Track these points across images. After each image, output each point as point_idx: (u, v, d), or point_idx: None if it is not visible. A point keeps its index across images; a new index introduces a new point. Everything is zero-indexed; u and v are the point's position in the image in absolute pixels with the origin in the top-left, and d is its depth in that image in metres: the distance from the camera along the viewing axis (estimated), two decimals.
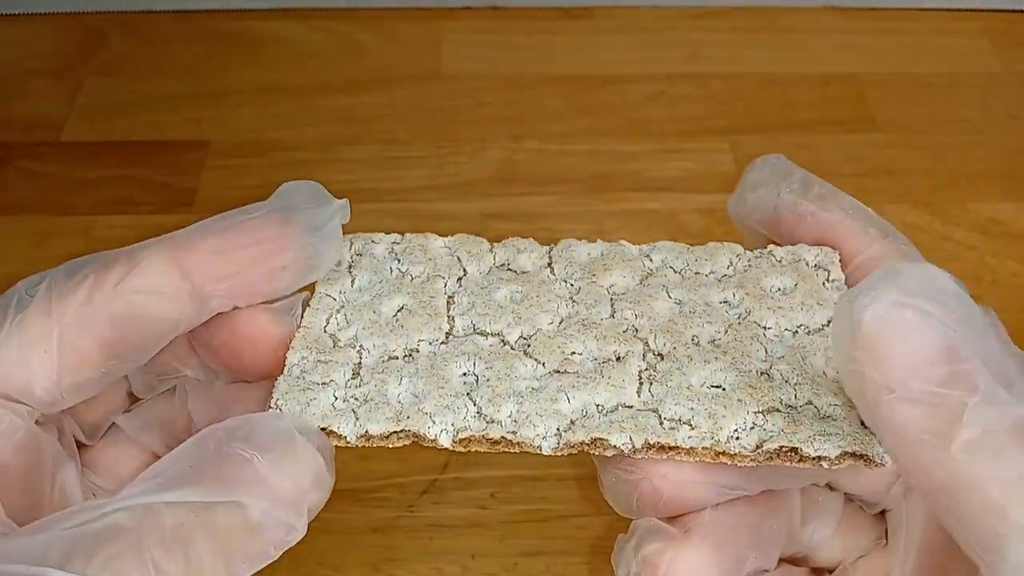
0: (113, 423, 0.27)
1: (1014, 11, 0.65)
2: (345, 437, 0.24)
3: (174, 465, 0.22)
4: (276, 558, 0.22)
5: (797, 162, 0.59)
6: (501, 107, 0.59)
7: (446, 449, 0.24)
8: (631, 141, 0.56)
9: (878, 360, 0.20)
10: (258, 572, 0.22)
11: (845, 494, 0.27)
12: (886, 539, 0.27)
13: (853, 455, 0.23)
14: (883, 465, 0.23)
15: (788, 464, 0.23)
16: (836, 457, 0.23)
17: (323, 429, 0.24)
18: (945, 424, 0.20)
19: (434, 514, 0.41)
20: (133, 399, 0.27)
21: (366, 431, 0.24)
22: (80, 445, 0.26)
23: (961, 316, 0.20)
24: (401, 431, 0.24)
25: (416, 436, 0.24)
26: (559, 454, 0.24)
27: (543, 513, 0.41)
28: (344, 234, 0.27)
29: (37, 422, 0.24)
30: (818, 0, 0.66)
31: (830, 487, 0.27)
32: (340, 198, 0.26)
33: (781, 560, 0.27)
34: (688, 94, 0.60)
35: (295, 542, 0.22)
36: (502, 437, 0.24)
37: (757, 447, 0.23)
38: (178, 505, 0.21)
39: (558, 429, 0.24)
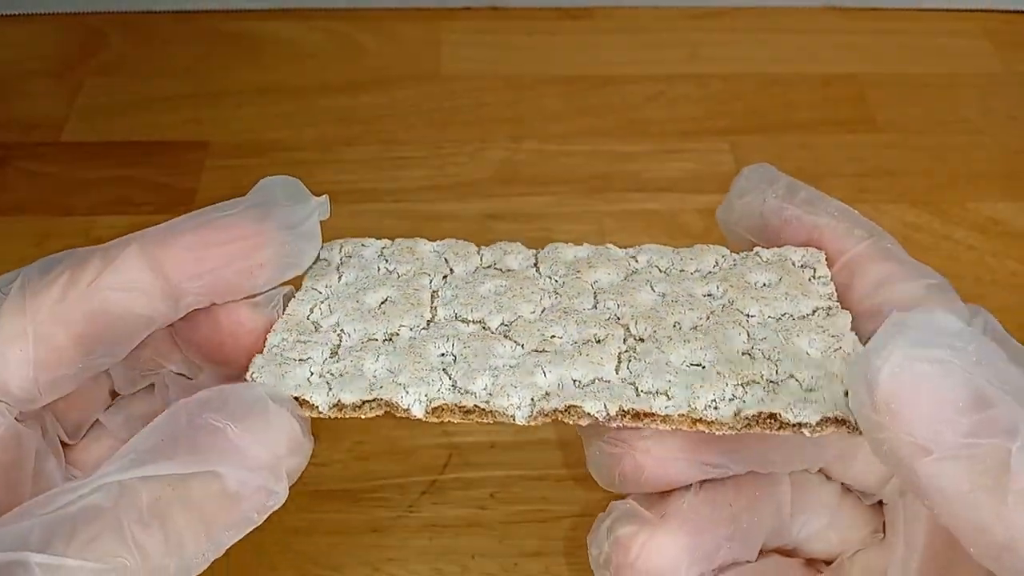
0: (96, 420, 0.27)
1: (1014, 11, 0.65)
2: (317, 407, 0.24)
3: (147, 440, 0.22)
4: (260, 523, 0.22)
5: (797, 162, 0.59)
6: (501, 107, 0.59)
7: (420, 420, 0.24)
8: (631, 141, 0.56)
9: (905, 421, 0.19)
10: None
11: (843, 485, 0.27)
12: (883, 532, 0.27)
13: (835, 420, 0.22)
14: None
15: (768, 431, 0.23)
16: (817, 423, 0.22)
17: (295, 399, 0.24)
18: (993, 476, 0.19)
19: (434, 514, 0.41)
20: (116, 396, 0.28)
21: (338, 400, 0.24)
22: (64, 445, 0.26)
23: (980, 356, 0.20)
24: (373, 400, 0.24)
25: (389, 405, 0.24)
26: (532, 423, 0.23)
27: (543, 513, 0.41)
28: (336, 234, 0.27)
29: (17, 419, 0.24)
30: (818, 0, 0.66)
31: (826, 476, 0.27)
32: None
33: (771, 551, 0.27)
34: (688, 94, 0.60)
35: (277, 506, 0.22)
36: (475, 406, 0.23)
37: (735, 415, 0.23)
38: (154, 479, 0.21)
39: (532, 399, 0.23)
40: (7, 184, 0.53)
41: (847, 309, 0.26)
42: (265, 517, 0.22)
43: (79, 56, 0.61)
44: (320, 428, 0.25)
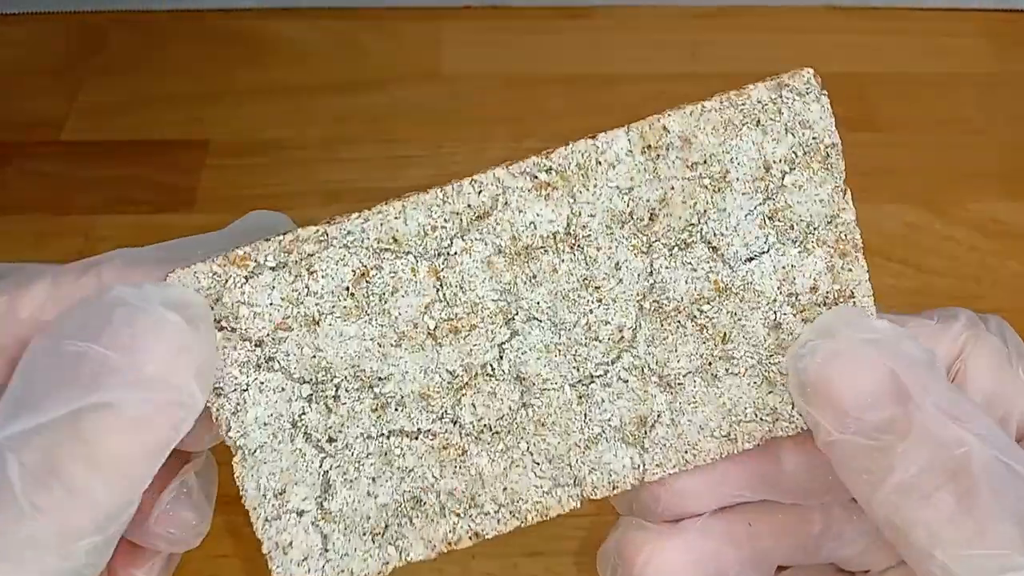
0: None
1: (1014, 11, 0.65)
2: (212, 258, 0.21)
3: (11, 392, 0.19)
4: (188, 431, 0.19)
5: None
6: (501, 107, 0.59)
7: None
8: None
9: (820, 406, 0.21)
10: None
11: None
12: None
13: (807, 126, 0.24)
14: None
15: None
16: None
17: (198, 274, 0.21)
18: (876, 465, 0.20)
19: None
20: None
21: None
22: None
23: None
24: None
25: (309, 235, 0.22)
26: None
27: None
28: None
29: None
30: (818, 0, 0.66)
31: None
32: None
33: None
34: (688, 94, 0.59)
35: (199, 411, 0.19)
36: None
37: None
38: (33, 432, 0.18)
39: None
40: (7, 184, 0.53)
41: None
42: (191, 425, 0.19)
43: (79, 56, 0.61)
44: None
